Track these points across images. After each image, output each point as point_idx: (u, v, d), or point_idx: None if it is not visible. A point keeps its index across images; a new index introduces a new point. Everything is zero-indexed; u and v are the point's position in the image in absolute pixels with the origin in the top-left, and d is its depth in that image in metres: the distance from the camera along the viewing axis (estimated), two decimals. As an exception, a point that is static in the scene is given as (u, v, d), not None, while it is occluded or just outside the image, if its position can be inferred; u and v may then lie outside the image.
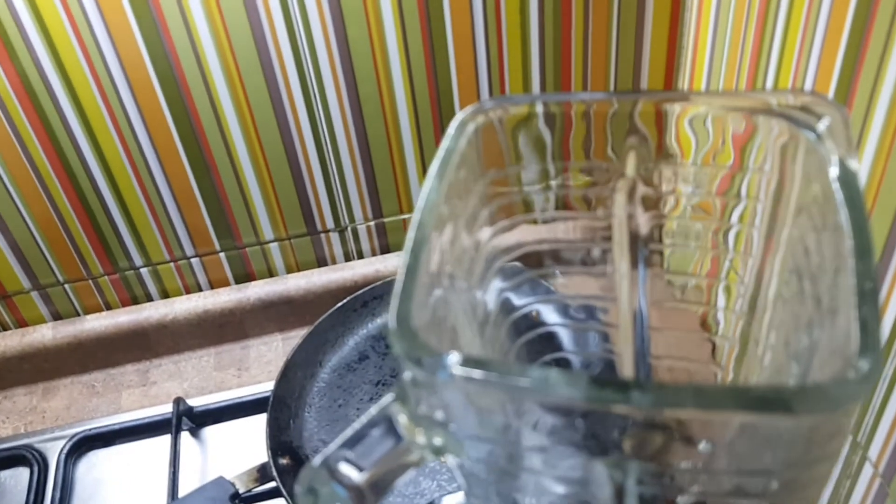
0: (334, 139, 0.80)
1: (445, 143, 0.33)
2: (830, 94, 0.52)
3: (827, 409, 0.21)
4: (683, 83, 0.79)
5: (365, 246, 0.89)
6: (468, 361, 0.24)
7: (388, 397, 0.28)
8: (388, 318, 0.26)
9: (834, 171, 0.27)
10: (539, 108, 0.34)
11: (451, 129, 0.33)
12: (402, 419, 0.28)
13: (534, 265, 0.39)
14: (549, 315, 0.43)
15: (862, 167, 0.50)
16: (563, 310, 0.43)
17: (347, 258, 0.90)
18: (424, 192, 0.31)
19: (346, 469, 0.28)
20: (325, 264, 0.90)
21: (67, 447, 0.77)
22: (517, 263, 0.40)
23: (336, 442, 0.29)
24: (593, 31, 0.76)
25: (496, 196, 0.37)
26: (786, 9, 0.56)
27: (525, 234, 0.38)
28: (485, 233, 0.37)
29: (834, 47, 0.52)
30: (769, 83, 0.59)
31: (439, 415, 0.27)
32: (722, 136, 0.33)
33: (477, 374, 0.24)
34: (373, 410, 0.28)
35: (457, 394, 0.26)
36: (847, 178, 0.27)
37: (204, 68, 0.73)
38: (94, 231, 0.81)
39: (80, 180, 0.78)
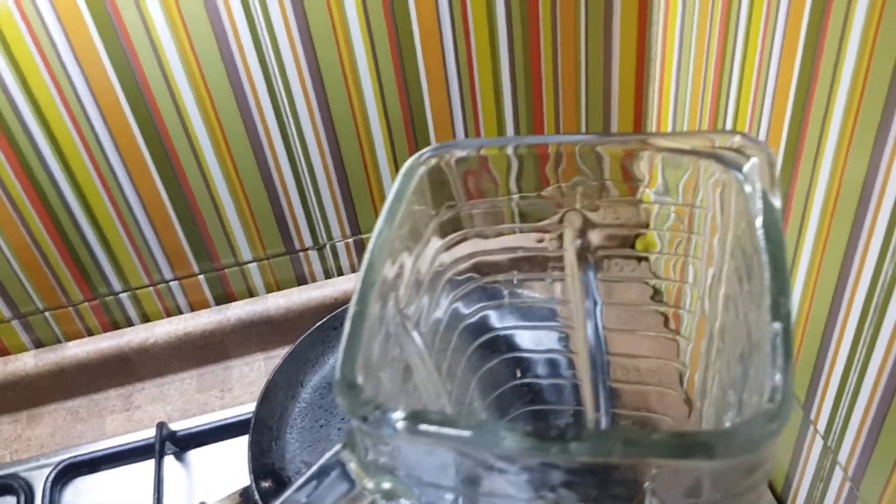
0: (308, 158, 0.81)
1: (394, 188, 0.34)
2: (784, 134, 0.54)
3: (743, 453, 0.22)
4: (651, 125, 0.81)
5: (344, 263, 0.90)
6: (412, 417, 0.25)
7: (338, 445, 0.29)
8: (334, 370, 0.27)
9: (756, 210, 0.28)
10: (483, 152, 0.36)
11: (400, 174, 0.34)
12: (352, 465, 0.29)
13: (489, 290, 0.40)
14: (502, 320, 0.43)
15: (816, 199, 0.52)
16: (516, 314, 0.44)
17: (327, 275, 0.91)
18: (374, 237, 0.32)
19: (302, 514, 0.29)
20: (305, 282, 0.91)
21: (53, 475, 0.77)
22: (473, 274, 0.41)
23: (292, 487, 0.30)
24: (563, 76, 0.78)
25: (449, 232, 0.38)
26: (741, 56, 0.59)
27: (480, 266, 0.39)
28: (441, 264, 0.38)
29: (786, 88, 0.54)
30: (728, 124, 0.61)
31: (387, 462, 0.28)
32: (659, 176, 0.35)
33: (420, 429, 0.25)
34: (326, 456, 0.29)
35: (403, 444, 0.27)
36: (768, 216, 0.28)
37: (174, 90, 0.73)
38: (72, 258, 0.82)
39: (55, 208, 0.78)
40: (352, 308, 0.29)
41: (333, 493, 0.29)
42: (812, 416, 0.59)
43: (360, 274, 0.30)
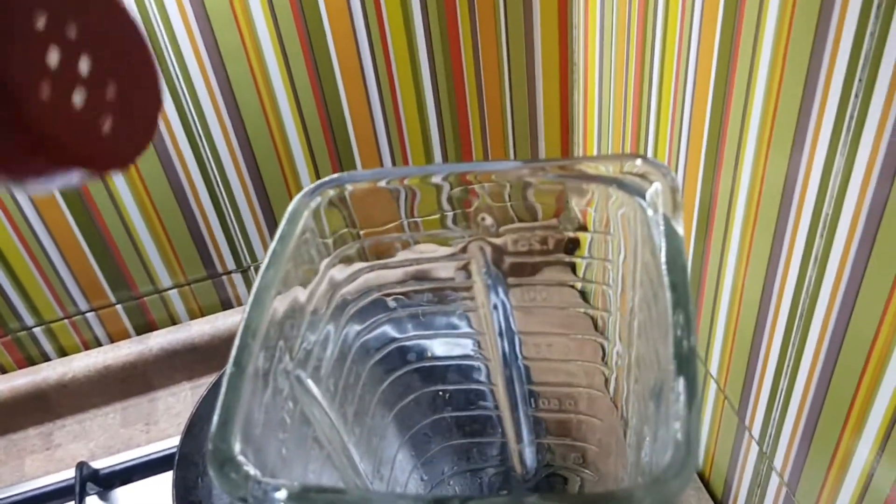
0: (225, 178, 0.78)
1: (281, 228, 0.31)
2: (703, 151, 0.54)
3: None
4: (579, 149, 0.81)
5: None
6: (297, 495, 0.23)
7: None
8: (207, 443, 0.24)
9: (659, 237, 0.27)
10: (382, 184, 0.33)
11: (287, 212, 0.32)
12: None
13: (399, 326, 0.38)
14: (415, 352, 0.41)
15: (738, 208, 0.52)
16: (430, 345, 0.42)
17: (252, 297, 0.88)
18: (257, 280, 0.30)
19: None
20: (231, 306, 0.87)
21: (-32, 524, 0.73)
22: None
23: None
24: (487, 103, 0.77)
25: (348, 270, 0.36)
26: (658, 76, 0.59)
27: (385, 303, 0.37)
28: (340, 304, 0.36)
29: (702, 110, 0.53)
30: (650, 143, 0.60)
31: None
32: (563, 203, 0.33)
33: None
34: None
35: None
36: (671, 245, 0.26)
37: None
38: (-21, 295, 0.78)
39: (-42, 244, 0.74)
40: (229, 366, 0.27)
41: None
42: (747, 422, 0.58)
43: (240, 328, 0.28)
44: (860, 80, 0.38)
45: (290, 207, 0.33)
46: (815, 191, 0.44)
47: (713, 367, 0.61)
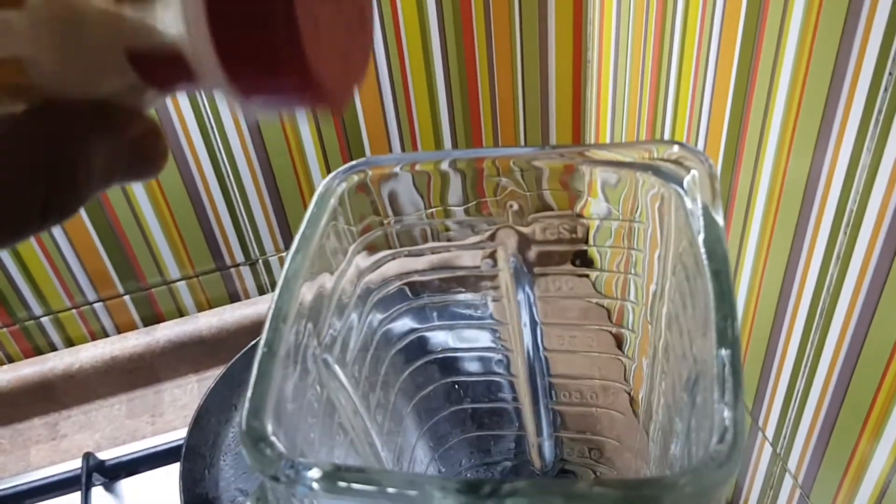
0: (236, 170, 0.77)
1: (309, 211, 0.31)
2: (723, 139, 0.53)
3: (692, 500, 0.20)
4: (590, 136, 0.80)
5: (278, 277, 0.87)
6: (329, 474, 0.22)
7: (249, 499, 0.26)
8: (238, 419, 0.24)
9: (697, 225, 0.26)
10: (406, 169, 0.33)
11: (315, 196, 0.32)
12: (265, 522, 0.26)
13: (423, 315, 0.38)
14: (437, 343, 0.41)
15: (758, 203, 0.51)
16: (452, 336, 0.41)
17: (261, 291, 0.87)
18: (287, 264, 0.29)
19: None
20: (238, 299, 0.87)
21: (-28, 513, 0.73)
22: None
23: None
24: (499, 89, 0.77)
25: (375, 256, 0.35)
26: (677, 62, 0.58)
27: (411, 290, 0.37)
28: (367, 292, 0.35)
29: (724, 92, 0.53)
30: (667, 131, 0.60)
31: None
32: (596, 190, 0.33)
33: (339, 487, 0.22)
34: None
35: (322, 502, 0.25)
36: (710, 234, 0.26)
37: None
38: (-13, 283, 0.77)
39: (-35, 232, 0.73)
40: (261, 348, 0.26)
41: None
42: (760, 423, 0.58)
43: (270, 309, 0.28)
44: (890, 74, 0.38)
45: (318, 190, 0.32)
46: (840, 186, 0.43)
47: (727, 367, 0.61)
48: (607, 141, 0.74)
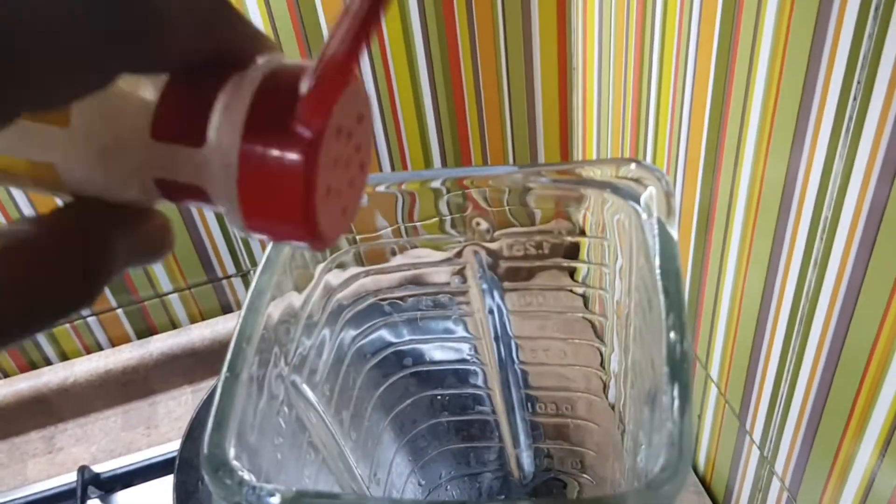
0: (227, 182, 0.78)
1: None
2: (701, 155, 0.54)
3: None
4: (577, 149, 0.80)
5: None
6: (290, 501, 0.23)
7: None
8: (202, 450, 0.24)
9: (653, 242, 0.27)
10: (380, 189, 0.33)
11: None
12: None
13: (394, 332, 0.38)
14: (412, 357, 0.41)
15: (738, 210, 0.51)
16: (427, 350, 0.42)
17: (253, 301, 0.88)
18: (252, 286, 0.29)
19: None
20: (230, 310, 0.87)
21: (-30, 528, 0.73)
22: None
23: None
24: (486, 108, 0.77)
25: (344, 276, 0.36)
26: (656, 80, 0.59)
27: (381, 309, 0.37)
28: (336, 311, 0.35)
29: (700, 114, 0.53)
30: (649, 145, 0.60)
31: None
32: (560, 207, 0.33)
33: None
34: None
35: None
36: (664, 250, 0.26)
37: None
38: (-19, 299, 0.78)
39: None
40: (223, 371, 0.27)
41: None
42: (748, 427, 0.58)
43: (234, 333, 0.28)
44: (859, 83, 0.38)
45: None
46: (815, 193, 0.43)
47: (714, 371, 0.61)
48: (594, 154, 0.75)
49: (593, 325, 0.38)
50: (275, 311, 0.30)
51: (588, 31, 0.72)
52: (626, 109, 0.66)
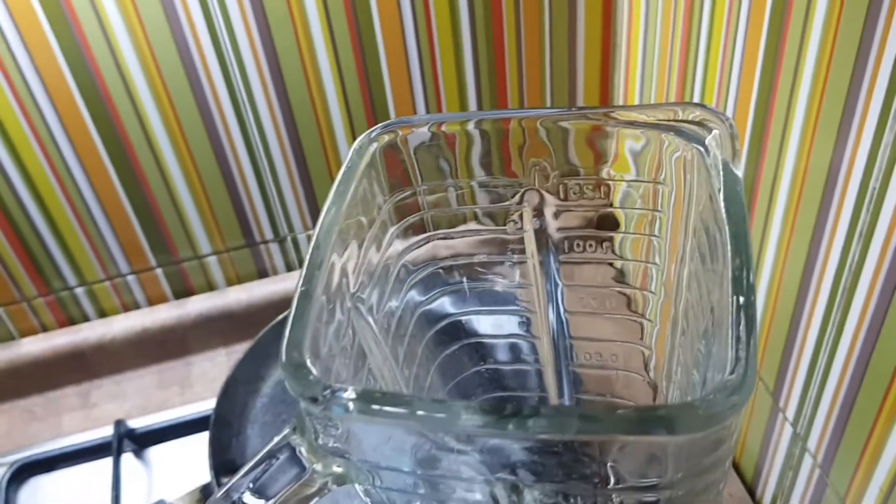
0: (267, 148, 0.79)
1: (344, 167, 0.32)
2: (752, 102, 0.53)
3: (704, 427, 0.21)
4: (618, 97, 0.80)
5: (306, 255, 0.88)
6: (363, 397, 0.24)
7: (287, 428, 0.27)
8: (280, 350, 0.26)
9: (718, 181, 0.27)
10: (436, 128, 0.34)
11: (350, 152, 0.33)
12: (302, 449, 0.27)
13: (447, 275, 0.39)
14: (461, 305, 0.42)
15: (783, 182, 0.52)
16: (475, 299, 0.42)
17: (289, 268, 0.89)
18: (322, 217, 0.31)
19: (249, 500, 0.28)
20: (266, 275, 0.89)
21: (8, 476, 0.75)
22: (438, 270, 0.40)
23: (240, 472, 0.28)
24: (526, 45, 0.77)
25: (404, 213, 0.37)
26: (707, 31, 0.58)
27: (437, 250, 0.38)
28: (396, 247, 0.37)
29: (752, 65, 0.53)
30: (696, 96, 0.60)
31: (339, 446, 0.27)
32: (622, 151, 0.34)
33: (372, 409, 0.24)
34: (275, 440, 0.28)
35: (355, 426, 0.26)
36: (729, 186, 0.27)
37: (127, 81, 0.71)
38: (25, 252, 0.80)
39: (6, 201, 0.76)
40: (298, 288, 0.28)
41: (283, 477, 0.27)
42: (781, 404, 0.58)
43: (308, 255, 0.29)
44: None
45: (353, 146, 0.34)
46: (863, 164, 0.44)
47: (748, 347, 0.61)
48: (636, 103, 0.74)
49: (624, 276, 0.39)
50: (340, 245, 0.31)
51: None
52: (672, 59, 0.65)
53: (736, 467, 0.69)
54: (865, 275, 0.46)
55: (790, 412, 0.57)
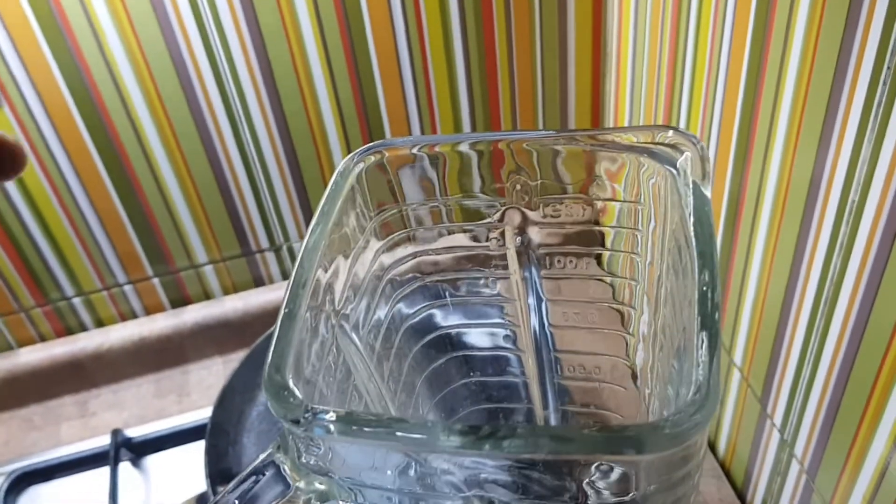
0: (262, 157, 0.80)
1: (329, 187, 0.33)
2: (736, 121, 0.55)
3: (671, 446, 0.22)
4: (609, 120, 0.81)
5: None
6: (343, 418, 0.25)
7: (271, 447, 0.28)
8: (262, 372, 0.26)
9: (688, 202, 0.28)
10: (420, 150, 0.35)
11: (335, 174, 0.34)
12: (286, 467, 0.28)
13: (433, 289, 0.40)
14: (447, 319, 0.43)
15: (767, 194, 0.52)
16: (461, 313, 0.43)
17: (284, 277, 0.90)
18: (307, 236, 0.31)
19: (235, 517, 0.29)
20: (262, 284, 0.90)
21: (6, 484, 0.76)
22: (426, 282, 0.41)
23: (226, 488, 0.29)
24: (518, 73, 0.78)
25: (390, 230, 0.37)
26: (692, 55, 0.60)
27: (423, 266, 0.38)
28: (381, 263, 0.37)
29: (735, 85, 0.54)
30: (682, 121, 0.61)
31: (321, 464, 0.28)
32: (596, 171, 0.34)
33: (353, 430, 0.24)
34: (259, 458, 0.29)
35: (337, 445, 0.27)
36: (699, 209, 0.28)
37: (122, 92, 0.72)
38: (22, 262, 0.81)
39: (3, 212, 0.77)
40: (282, 309, 0.29)
41: (268, 494, 0.28)
42: (769, 410, 0.59)
43: (291, 275, 0.30)
44: (888, 68, 0.39)
45: (338, 168, 0.35)
46: (843, 177, 0.45)
47: (737, 356, 0.62)
48: (626, 123, 0.76)
49: (613, 291, 0.40)
50: (325, 263, 0.32)
51: (623, 2, 0.72)
52: (659, 85, 0.67)
53: (726, 472, 0.70)
54: (847, 284, 0.47)
55: (777, 419, 0.58)
